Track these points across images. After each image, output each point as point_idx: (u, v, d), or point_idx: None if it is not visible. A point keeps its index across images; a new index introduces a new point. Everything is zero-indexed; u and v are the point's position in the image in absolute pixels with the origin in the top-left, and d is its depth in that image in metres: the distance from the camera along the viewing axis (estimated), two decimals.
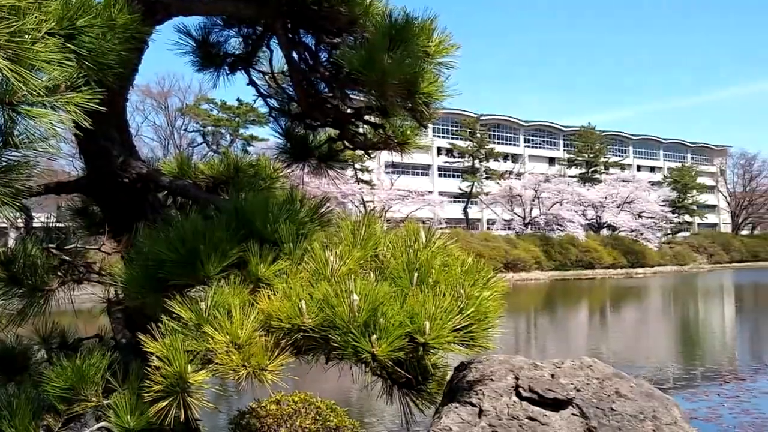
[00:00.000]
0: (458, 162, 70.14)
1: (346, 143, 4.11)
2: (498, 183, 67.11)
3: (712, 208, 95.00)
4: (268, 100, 4.25)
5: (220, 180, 4.14)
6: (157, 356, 2.59)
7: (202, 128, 56.74)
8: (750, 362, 13.41)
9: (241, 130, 56.60)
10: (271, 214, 2.97)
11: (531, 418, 2.89)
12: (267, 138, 39.68)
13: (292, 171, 4.48)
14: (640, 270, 61.26)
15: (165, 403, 2.56)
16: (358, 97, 3.82)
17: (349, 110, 3.90)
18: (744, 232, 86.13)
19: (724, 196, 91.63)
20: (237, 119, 55.39)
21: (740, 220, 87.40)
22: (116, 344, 3.52)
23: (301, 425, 4.61)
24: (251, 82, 4.08)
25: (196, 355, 2.60)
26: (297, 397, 4.85)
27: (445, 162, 72.80)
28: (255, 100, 4.25)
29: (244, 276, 2.85)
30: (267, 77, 4.16)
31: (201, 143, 56.45)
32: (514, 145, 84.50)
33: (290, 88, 4.07)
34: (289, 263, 2.85)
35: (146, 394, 2.61)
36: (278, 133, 4.29)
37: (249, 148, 49.94)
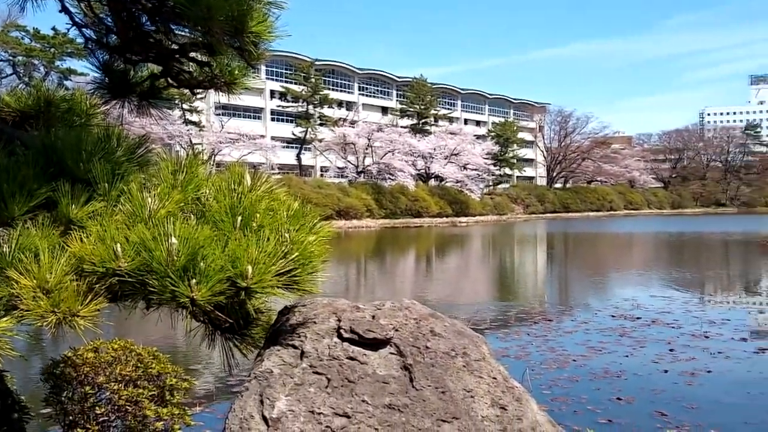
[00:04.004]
0: (292, 106, 69.48)
1: (170, 80, 3.90)
2: (332, 130, 67.38)
3: (530, 162, 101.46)
4: (85, 30, 3.93)
5: (29, 114, 3.80)
6: None
7: (11, 58, 51.83)
8: (557, 304, 14.64)
9: (58, 63, 52.40)
10: (85, 152, 2.78)
11: (351, 358, 2.98)
12: (86, 72, 37.06)
13: (112, 108, 4.21)
14: (463, 219, 64.69)
15: None
16: (183, 33, 3.63)
17: (173, 46, 3.70)
18: (558, 185, 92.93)
19: (542, 151, 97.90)
20: (52, 50, 51.10)
21: (554, 174, 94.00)
22: None
23: (121, 373, 4.45)
24: (64, 9, 3.74)
25: None
26: (117, 345, 4.66)
27: (279, 106, 71.80)
28: (69, 29, 3.91)
29: (54, 217, 2.67)
30: (83, 5, 3.84)
31: (11, 74, 51.62)
32: (349, 92, 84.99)
33: (109, 19, 3.79)
34: (104, 205, 2.70)
35: None
36: (96, 66, 3.99)
37: (66, 83, 46.32)
